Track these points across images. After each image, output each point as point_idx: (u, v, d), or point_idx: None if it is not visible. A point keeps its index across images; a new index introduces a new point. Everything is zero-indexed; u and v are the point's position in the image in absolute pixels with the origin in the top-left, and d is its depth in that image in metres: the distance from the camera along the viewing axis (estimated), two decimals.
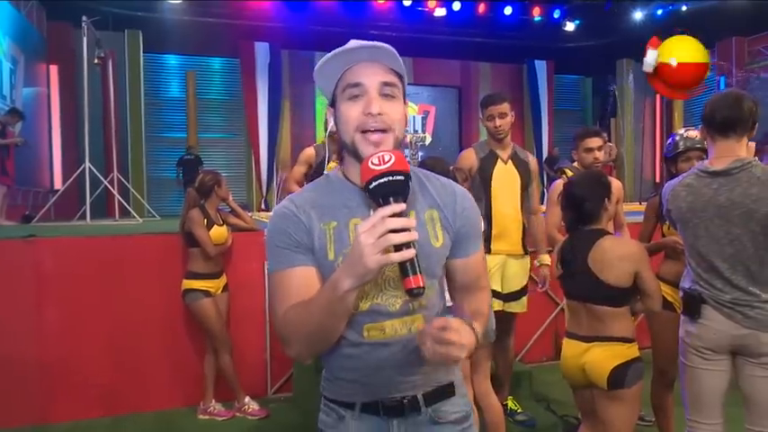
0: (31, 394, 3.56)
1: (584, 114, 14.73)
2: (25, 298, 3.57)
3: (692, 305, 2.07)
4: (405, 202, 1.00)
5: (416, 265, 0.97)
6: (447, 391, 1.27)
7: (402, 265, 0.96)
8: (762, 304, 1.95)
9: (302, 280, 1.14)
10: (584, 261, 2.23)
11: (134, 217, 6.87)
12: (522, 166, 3.24)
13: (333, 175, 1.25)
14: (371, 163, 1.02)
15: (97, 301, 3.71)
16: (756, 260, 1.96)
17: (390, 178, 1.00)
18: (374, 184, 1.00)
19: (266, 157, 11.33)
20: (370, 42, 1.14)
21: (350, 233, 1.16)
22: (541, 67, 13.47)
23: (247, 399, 3.74)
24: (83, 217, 6.21)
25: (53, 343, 3.62)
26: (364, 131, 1.12)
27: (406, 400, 1.20)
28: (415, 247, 0.96)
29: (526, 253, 3.29)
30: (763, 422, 1.98)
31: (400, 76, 1.19)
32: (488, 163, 3.18)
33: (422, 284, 0.97)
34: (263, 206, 10.73)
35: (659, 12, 12.43)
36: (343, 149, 1.23)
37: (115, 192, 7.01)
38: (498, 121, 3.15)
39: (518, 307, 3.28)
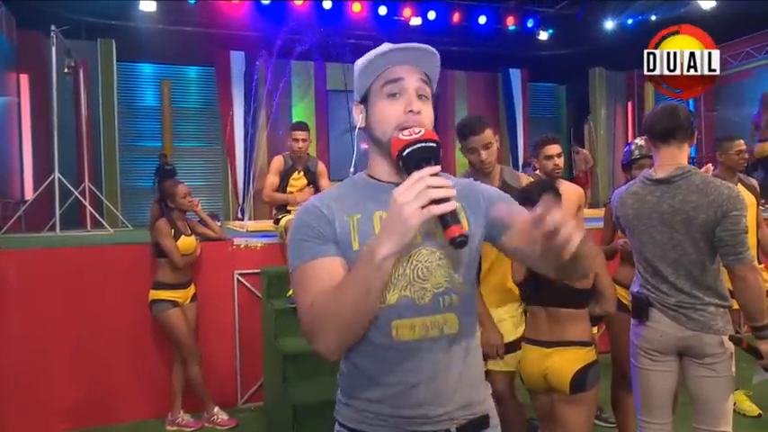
0: None
1: (558, 121, 14.95)
2: None
3: (640, 308, 2.14)
4: (439, 167, 0.99)
5: (457, 216, 0.96)
6: (481, 423, 1.19)
7: (443, 217, 0.95)
8: (704, 307, 2.03)
9: (329, 270, 1.09)
10: None
11: (106, 228, 6.79)
12: (510, 192, 2.61)
13: (357, 178, 1.25)
14: (402, 135, 1.04)
15: (62, 313, 3.68)
16: (698, 266, 2.03)
17: (423, 144, 1.02)
18: (407, 150, 1.01)
19: (242, 165, 11.29)
20: (415, 44, 1.15)
21: (374, 224, 1.14)
22: (516, 75, 13.65)
23: (216, 409, 3.73)
24: (53, 228, 6.13)
25: (15, 356, 3.58)
26: (401, 129, 1.09)
27: None
28: (454, 202, 0.94)
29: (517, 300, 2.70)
30: (710, 420, 2.05)
31: (431, 81, 1.21)
32: None
33: (465, 232, 0.95)
34: (239, 215, 10.67)
35: (629, 21, 12.71)
36: (371, 149, 1.22)
37: (86, 202, 6.93)
38: (484, 154, 2.58)
39: (511, 363, 2.56)
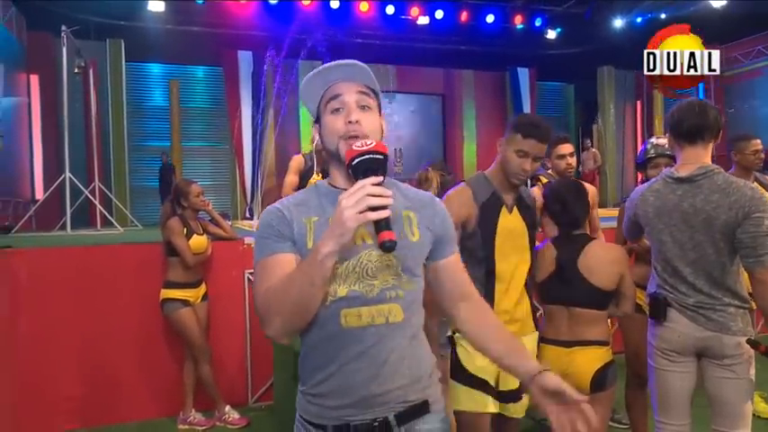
0: (4, 407, 3.52)
1: (566, 121, 14.89)
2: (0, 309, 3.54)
3: (658, 308, 2.11)
4: (383, 177, 1.11)
5: (389, 223, 1.07)
6: (421, 408, 1.29)
7: (377, 223, 1.06)
8: (724, 307, 2.00)
9: (282, 263, 1.21)
10: (574, 265, 2.28)
11: (115, 227, 6.82)
12: (526, 211, 2.26)
13: (320, 184, 1.36)
14: (355, 146, 1.14)
15: (74, 312, 3.68)
16: (718, 267, 2.01)
17: (371, 156, 1.12)
18: (357, 160, 1.12)
19: (250, 165, 11.31)
20: (346, 60, 1.28)
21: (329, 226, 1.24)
22: (524, 74, 13.62)
23: (227, 408, 3.73)
24: (63, 227, 6.17)
25: (28, 355, 3.59)
26: (346, 138, 1.24)
27: (376, 423, 1.22)
28: (388, 210, 1.06)
29: (536, 328, 2.32)
30: (728, 422, 2.03)
31: (375, 92, 1.32)
32: (491, 211, 2.17)
33: (394, 238, 1.05)
34: (247, 215, 10.69)
35: (638, 20, 12.64)
36: (328, 161, 1.33)
37: (96, 201, 6.96)
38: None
39: (519, 410, 2.25)
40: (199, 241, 3.66)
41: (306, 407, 1.29)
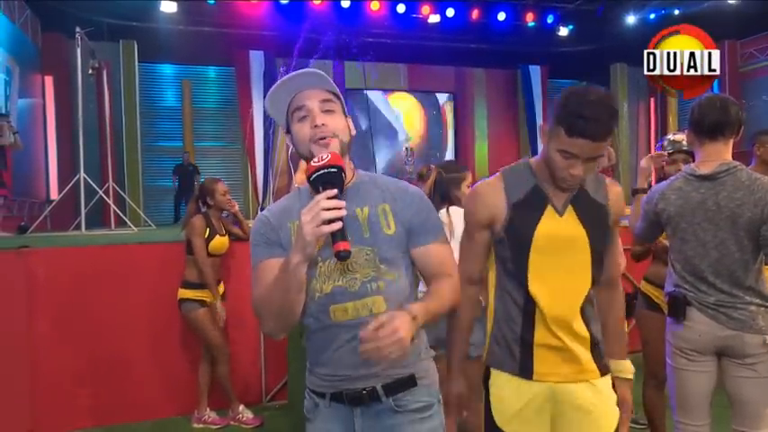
0: (22, 405, 3.55)
1: None
2: (17, 309, 3.57)
3: (677, 307, 2.08)
4: (339, 189, 1.20)
5: (344, 234, 1.17)
6: (408, 382, 1.39)
7: (333, 234, 1.17)
8: (745, 306, 1.97)
9: (272, 268, 1.32)
10: None
11: (129, 226, 6.87)
12: (592, 213, 1.58)
13: (303, 189, 1.46)
14: (312, 162, 1.24)
15: (88, 311, 3.71)
16: (741, 265, 1.97)
17: (325, 171, 1.22)
18: (314, 176, 1.22)
19: (262, 165, 11.35)
20: (305, 70, 1.37)
21: None
22: (535, 71, 13.54)
23: (241, 407, 3.74)
24: (78, 227, 6.22)
25: (44, 353, 3.62)
26: (315, 141, 1.35)
27: (365, 391, 1.36)
28: (342, 221, 1.16)
29: (604, 370, 1.61)
30: (749, 422, 1.99)
31: (337, 95, 1.42)
32: (528, 212, 1.57)
33: (348, 248, 1.17)
34: (259, 214, 10.74)
35: (652, 16, 12.52)
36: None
37: (110, 201, 7.01)
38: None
39: None
40: (221, 242, 3.64)
41: (311, 379, 1.45)
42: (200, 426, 3.68)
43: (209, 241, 3.58)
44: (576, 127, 1.41)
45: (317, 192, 1.20)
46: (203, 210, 3.67)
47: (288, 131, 1.44)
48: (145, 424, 3.75)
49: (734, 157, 2.07)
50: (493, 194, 1.59)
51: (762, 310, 1.98)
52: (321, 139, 1.34)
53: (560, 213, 1.56)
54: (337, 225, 1.16)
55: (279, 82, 1.38)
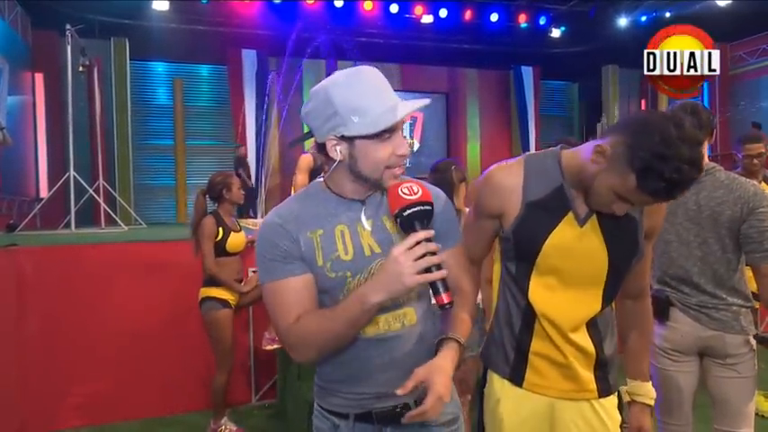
0: (11, 404, 3.53)
1: (570, 120, 14.85)
2: (5, 307, 3.55)
3: (661, 308, 2.11)
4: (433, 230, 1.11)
5: (447, 284, 1.08)
6: None
7: (434, 284, 1.08)
8: (727, 306, 2.00)
9: (298, 289, 1.20)
10: None
11: (120, 225, 6.84)
12: (618, 225, 1.36)
13: (314, 189, 1.30)
14: (402, 192, 1.13)
15: (78, 310, 3.70)
16: (724, 263, 2.01)
17: (421, 207, 1.12)
18: (408, 211, 1.11)
19: (254, 164, 11.33)
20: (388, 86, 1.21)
21: (336, 239, 1.23)
22: (528, 72, 13.58)
23: (224, 419, 3.50)
24: (68, 226, 6.19)
25: (33, 352, 3.61)
26: (391, 169, 1.19)
27: (398, 409, 1.24)
28: (445, 271, 1.07)
29: (606, 390, 1.47)
30: (730, 421, 2.03)
31: None
32: (543, 215, 1.37)
33: (452, 300, 1.08)
34: (251, 213, 10.71)
35: (643, 18, 12.61)
36: (342, 169, 1.22)
37: (101, 200, 6.97)
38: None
39: None
40: (238, 239, 3.43)
41: (325, 397, 1.32)
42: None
43: (225, 240, 3.37)
44: (654, 190, 1.16)
45: (406, 229, 1.10)
46: (216, 206, 3.45)
47: (342, 138, 1.18)
48: (134, 423, 3.74)
49: (723, 159, 2.12)
50: (509, 186, 1.38)
51: (743, 311, 2.01)
52: (398, 168, 1.19)
53: (581, 223, 1.35)
54: (442, 273, 1.06)
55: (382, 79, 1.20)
